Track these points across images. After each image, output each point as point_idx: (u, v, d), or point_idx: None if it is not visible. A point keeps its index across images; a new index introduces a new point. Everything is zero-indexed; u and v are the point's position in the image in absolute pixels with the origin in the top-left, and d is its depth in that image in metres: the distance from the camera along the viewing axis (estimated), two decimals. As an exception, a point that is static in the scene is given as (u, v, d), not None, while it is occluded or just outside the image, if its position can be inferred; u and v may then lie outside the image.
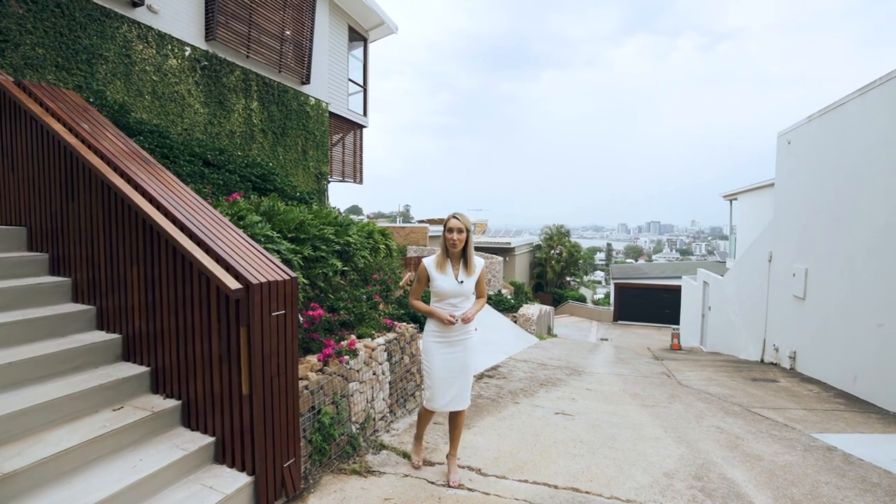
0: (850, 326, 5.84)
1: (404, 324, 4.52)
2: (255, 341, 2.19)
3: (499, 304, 16.37)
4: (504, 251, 25.55)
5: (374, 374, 3.60)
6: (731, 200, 17.21)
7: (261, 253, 2.51)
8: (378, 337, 3.87)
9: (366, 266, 5.38)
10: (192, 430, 2.44)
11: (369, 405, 3.51)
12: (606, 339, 18.86)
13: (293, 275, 2.41)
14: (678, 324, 17.51)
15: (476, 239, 28.63)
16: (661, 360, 9.86)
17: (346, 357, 3.26)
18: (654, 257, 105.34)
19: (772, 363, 8.19)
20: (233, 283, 2.10)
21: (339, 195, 39.03)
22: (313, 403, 2.81)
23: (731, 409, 5.07)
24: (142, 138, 4.89)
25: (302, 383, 2.77)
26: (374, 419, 3.56)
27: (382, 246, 6.43)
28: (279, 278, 2.34)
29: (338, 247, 4.55)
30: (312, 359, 3.10)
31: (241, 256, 2.37)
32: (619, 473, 3.23)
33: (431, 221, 27.41)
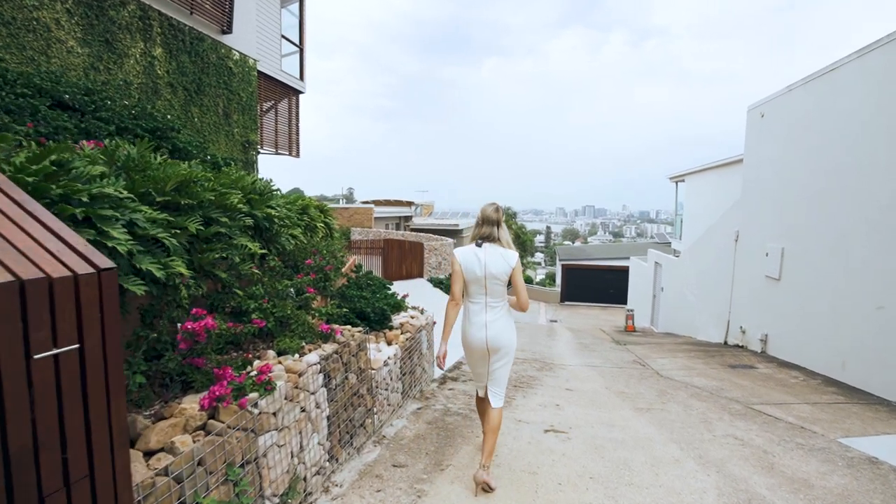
0: (839, 309, 5.44)
1: (349, 328, 3.29)
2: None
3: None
4: (452, 233, 24.60)
5: (302, 410, 2.37)
6: (677, 182, 17.35)
7: (37, 224, 1.18)
8: (309, 352, 2.63)
9: (297, 249, 4.03)
10: None
11: (296, 460, 2.29)
12: (556, 321, 18.65)
13: (104, 265, 1.12)
14: (624, 303, 17.61)
15: (423, 221, 27.44)
16: (624, 344, 9.39)
17: (255, 394, 2.01)
18: (589, 239, 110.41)
19: (738, 345, 7.91)
20: None
21: (278, 176, 35.69)
22: (183, 497, 1.55)
23: (733, 409, 4.43)
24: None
25: (158, 464, 1.49)
26: (304, 479, 2.35)
27: (321, 224, 5.09)
28: (63, 273, 1.04)
29: (250, 221, 3.18)
30: (190, 406, 1.81)
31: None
32: (659, 534, 2.31)
33: (377, 202, 25.76)
